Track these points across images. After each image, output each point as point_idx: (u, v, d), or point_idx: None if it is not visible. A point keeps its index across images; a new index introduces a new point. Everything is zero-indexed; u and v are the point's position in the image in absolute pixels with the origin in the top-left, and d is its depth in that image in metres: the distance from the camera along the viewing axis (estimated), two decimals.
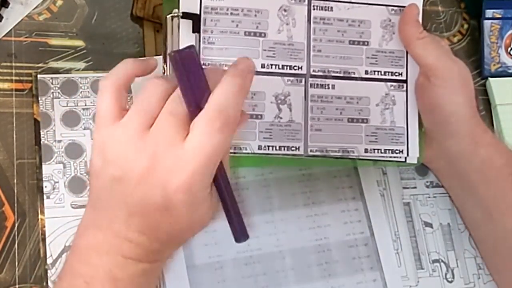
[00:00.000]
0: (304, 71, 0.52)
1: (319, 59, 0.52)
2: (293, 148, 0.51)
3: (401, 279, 0.55)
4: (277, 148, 0.50)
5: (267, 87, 0.51)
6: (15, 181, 0.51)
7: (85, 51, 0.56)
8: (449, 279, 0.58)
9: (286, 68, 0.51)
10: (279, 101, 0.51)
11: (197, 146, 0.39)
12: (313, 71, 0.52)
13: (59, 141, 0.53)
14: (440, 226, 0.59)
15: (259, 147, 0.50)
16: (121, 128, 0.41)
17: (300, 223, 0.54)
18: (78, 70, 0.56)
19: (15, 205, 0.51)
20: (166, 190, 0.39)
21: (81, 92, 0.54)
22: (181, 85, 0.40)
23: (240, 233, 0.44)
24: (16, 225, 0.50)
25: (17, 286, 0.49)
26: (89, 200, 0.43)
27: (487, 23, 0.66)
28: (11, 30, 0.55)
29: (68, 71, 0.55)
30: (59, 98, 0.54)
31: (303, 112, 0.51)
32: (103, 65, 0.56)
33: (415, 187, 0.60)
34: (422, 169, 0.60)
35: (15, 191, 0.51)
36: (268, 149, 0.50)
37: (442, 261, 0.58)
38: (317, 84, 0.52)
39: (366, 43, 0.53)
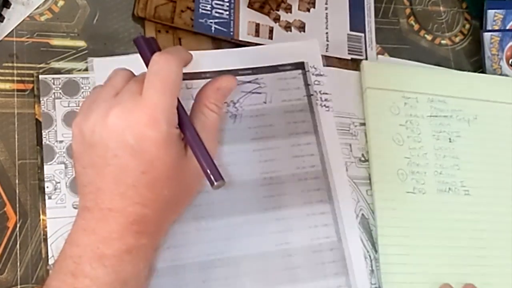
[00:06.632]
0: None
1: None
2: None
3: (371, 286, 0.53)
4: None
5: None
6: (16, 181, 0.51)
7: (86, 51, 0.56)
8: None
9: None
10: None
11: (151, 87, 0.44)
12: None
13: (61, 142, 0.53)
14: None
15: None
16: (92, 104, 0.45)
17: (264, 227, 0.52)
18: (79, 70, 0.56)
19: (17, 205, 0.51)
20: (134, 129, 0.43)
21: (82, 92, 0.54)
22: (144, 59, 0.48)
23: (213, 177, 0.45)
24: (18, 225, 0.50)
25: (18, 286, 0.49)
26: (78, 188, 0.46)
27: (487, 36, 0.66)
28: (12, 30, 0.55)
29: (69, 71, 0.55)
30: (60, 98, 0.54)
31: None
32: None
33: None
34: None
35: (17, 191, 0.51)
36: None
37: None
38: None
39: None
